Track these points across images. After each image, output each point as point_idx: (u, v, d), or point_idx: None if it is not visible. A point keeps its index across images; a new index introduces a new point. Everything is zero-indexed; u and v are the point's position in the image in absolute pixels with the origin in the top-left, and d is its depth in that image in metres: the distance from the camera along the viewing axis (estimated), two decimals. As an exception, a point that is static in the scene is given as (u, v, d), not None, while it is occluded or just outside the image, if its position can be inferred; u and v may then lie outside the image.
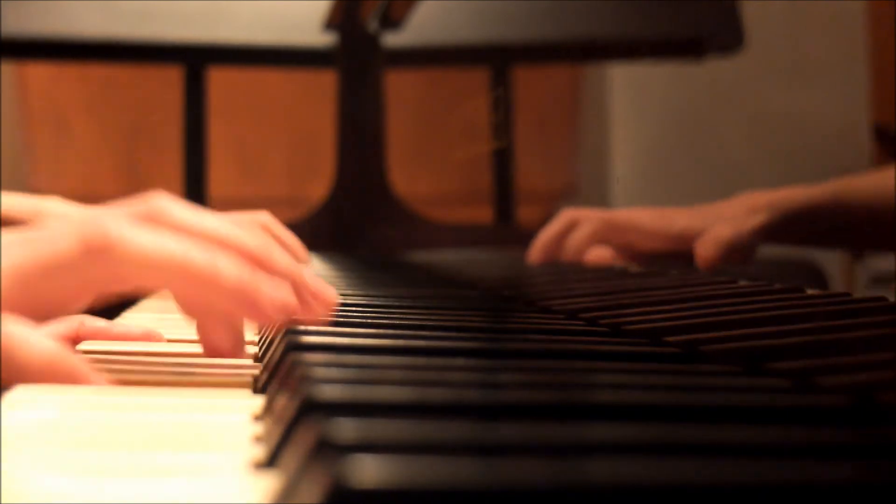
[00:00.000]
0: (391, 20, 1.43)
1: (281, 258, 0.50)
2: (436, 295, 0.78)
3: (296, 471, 0.26)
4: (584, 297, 0.70)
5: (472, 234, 1.37)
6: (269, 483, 0.28)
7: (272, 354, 0.44)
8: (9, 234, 0.46)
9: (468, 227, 1.54)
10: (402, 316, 0.56)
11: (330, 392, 0.31)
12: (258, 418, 0.36)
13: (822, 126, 2.29)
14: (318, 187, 1.64)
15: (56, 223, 0.48)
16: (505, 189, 1.63)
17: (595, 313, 0.58)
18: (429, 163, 2.48)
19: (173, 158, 1.55)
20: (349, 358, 0.41)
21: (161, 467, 0.29)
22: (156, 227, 0.47)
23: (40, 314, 0.46)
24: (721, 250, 1.04)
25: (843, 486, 0.24)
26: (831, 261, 2.03)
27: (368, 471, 0.23)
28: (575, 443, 0.28)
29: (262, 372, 0.44)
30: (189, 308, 0.49)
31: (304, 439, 0.27)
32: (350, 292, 0.74)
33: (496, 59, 1.63)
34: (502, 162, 1.64)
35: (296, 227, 1.42)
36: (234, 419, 0.36)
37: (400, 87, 1.86)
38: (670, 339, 0.48)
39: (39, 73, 2.47)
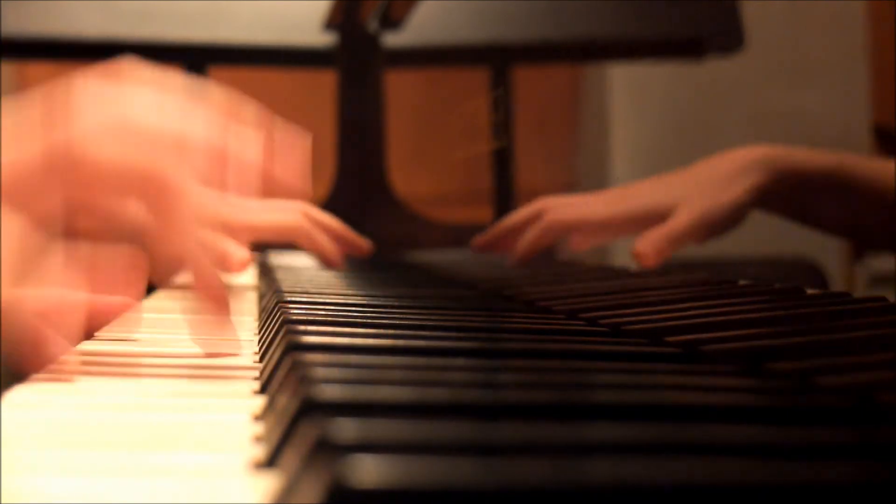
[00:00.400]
0: (391, 20, 1.43)
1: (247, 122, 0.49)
2: (436, 295, 0.78)
3: (296, 471, 0.26)
4: (584, 297, 0.70)
5: (472, 234, 1.37)
6: (269, 483, 0.28)
7: (272, 354, 0.44)
8: None
9: (468, 227, 1.54)
10: (402, 316, 0.56)
11: (330, 392, 0.31)
12: (258, 418, 0.36)
13: (822, 126, 2.29)
14: (318, 187, 1.63)
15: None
16: (505, 189, 1.63)
17: (595, 313, 0.58)
18: (429, 163, 2.48)
19: (173, 158, 1.55)
20: (349, 358, 0.41)
21: (161, 467, 0.29)
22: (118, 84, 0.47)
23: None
24: (660, 249, 0.96)
25: (843, 486, 0.24)
26: (831, 261, 2.03)
27: (368, 471, 0.23)
28: (575, 443, 0.28)
29: (262, 372, 0.44)
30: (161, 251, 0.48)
31: (304, 439, 0.27)
32: (350, 292, 0.74)
33: (496, 59, 1.63)
34: (502, 162, 1.64)
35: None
36: (234, 419, 0.36)
37: (400, 87, 1.86)
38: (670, 339, 0.48)
39: (39, 73, 2.47)
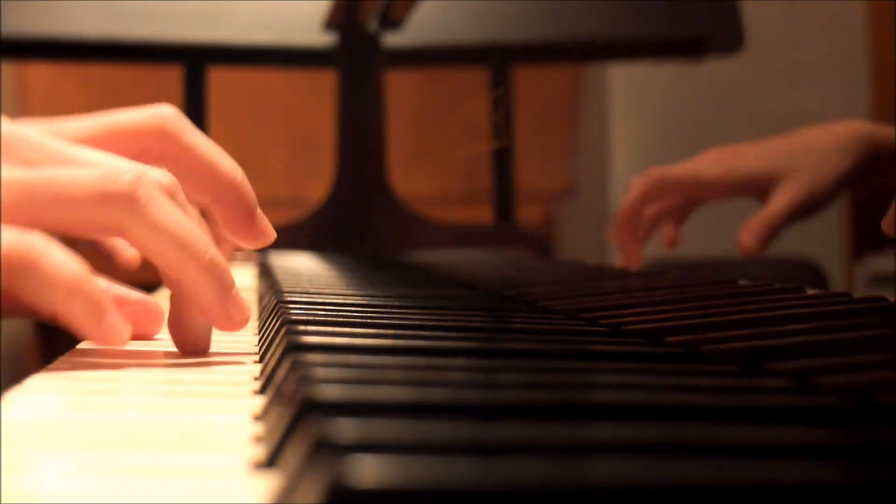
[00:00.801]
0: (391, 20, 1.43)
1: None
2: (436, 295, 0.78)
3: (296, 471, 0.26)
4: (584, 297, 0.70)
5: (472, 234, 1.37)
6: (269, 483, 0.28)
7: (272, 354, 0.44)
8: None
9: (468, 227, 1.54)
10: (402, 316, 0.56)
11: (330, 392, 0.31)
12: (258, 418, 0.36)
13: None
14: (318, 187, 1.64)
15: None
16: (505, 189, 1.63)
17: (595, 313, 0.58)
18: (429, 163, 2.48)
19: (173, 158, 1.55)
20: (349, 358, 0.41)
21: (161, 467, 0.29)
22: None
23: None
24: (764, 238, 0.96)
25: (843, 486, 0.24)
26: (831, 261, 2.03)
27: (368, 471, 0.23)
28: (575, 443, 0.28)
29: (262, 372, 0.44)
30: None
31: (304, 439, 0.27)
32: (350, 292, 0.74)
33: (496, 59, 1.63)
34: (502, 162, 1.64)
35: (296, 227, 1.43)
36: (234, 419, 0.36)
37: (400, 87, 1.87)
38: (670, 339, 0.48)
39: (39, 73, 2.47)
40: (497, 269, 1.12)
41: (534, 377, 0.40)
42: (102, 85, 2.43)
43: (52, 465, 0.29)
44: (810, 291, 0.64)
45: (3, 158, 0.47)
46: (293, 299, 0.60)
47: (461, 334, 0.52)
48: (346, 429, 0.26)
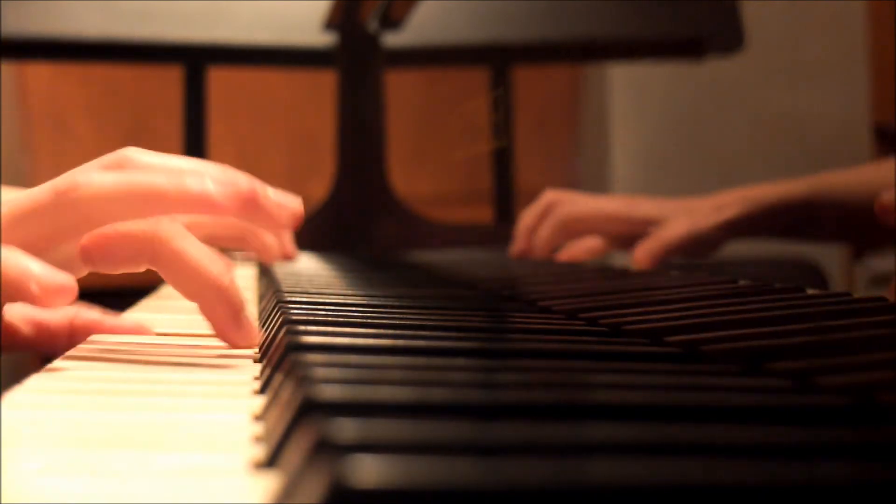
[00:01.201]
0: (391, 20, 1.43)
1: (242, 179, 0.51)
2: (436, 295, 0.78)
3: (296, 471, 0.26)
4: (584, 297, 0.70)
5: (472, 234, 1.37)
6: (269, 483, 0.28)
7: (272, 354, 0.44)
8: None
9: (468, 227, 1.54)
10: (402, 316, 0.56)
11: (330, 392, 0.31)
12: (258, 418, 0.36)
13: (822, 126, 2.29)
14: (318, 187, 1.64)
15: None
16: (505, 189, 1.63)
17: (595, 313, 0.58)
18: (429, 163, 2.48)
19: (173, 158, 1.55)
20: (349, 358, 0.41)
21: (161, 467, 0.29)
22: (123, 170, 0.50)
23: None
24: (656, 254, 1.11)
25: (843, 486, 0.24)
26: (831, 261, 2.03)
27: (368, 471, 0.23)
28: (575, 443, 0.28)
29: (262, 372, 0.44)
30: (179, 282, 0.51)
31: (305, 439, 0.27)
32: (350, 292, 0.74)
33: (496, 59, 1.63)
34: (502, 162, 1.64)
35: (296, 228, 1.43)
36: (234, 419, 0.36)
37: (400, 87, 1.87)
38: (670, 339, 0.48)
39: (39, 73, 2.47)
40: (497, 269, 1.12)
41: (534, 377, 0.40)
42: (102, 85, 2.43)
43: (52, 465, 0.29)
44: (810, 291, 0.64)
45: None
46: (293, 299, 0.60)
47: (461, 334, 0.52)
48: (346, 429, 0.26)
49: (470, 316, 0.60)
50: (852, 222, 1.12)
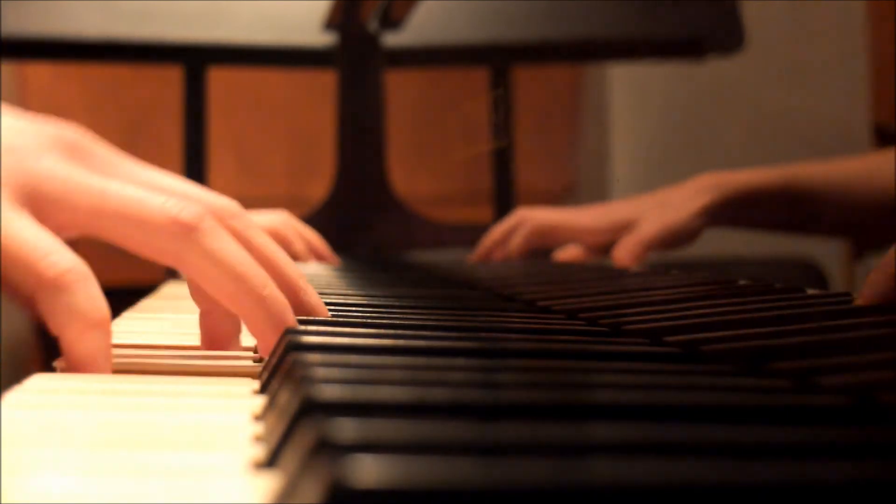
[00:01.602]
0: (391, 20, 1.43)
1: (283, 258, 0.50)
2: (436, 295, 0.78)
3: (296, 471, 0.26)
4: (584, 297, 0.70)
5: (472, 234, 1.37)
6: (269, 483, 0.28)
7: (272, 354, 0.44)
8: None
9: (468, 227, 1.54)
10: (402, 316, 0.56)
11: (330, 392, 0.31)
12: (258, 418, 0.36)
13: (822, 126, 2.29)
14: (318, 187, 1.64)
15: None
16: (505, 189, 1.63)
17: (595, 313, 0.58)
18: (429, 163, 2.48)
19: (173, 158, 1.55)
20: (349, 358, 0.41)
21: (161, 467, 0.29)
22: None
23: None
24: (634, 253, 1.11)
25: (843, 486, 0.24)
26: (831, 261, 2.03)
27: (368, 471, 0.23)
28: (575, 443, 0.28)
29: (262, 372, 0.44)
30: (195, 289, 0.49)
31: (304, 439, 0.27)
32: (350, 292, 0.74)
33: (496, 59, 1.63)
34: (502, 162, 1.64)
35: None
36: (234, 419, 0.36)
37: (400, 87, 1.86)
38: (670, 339, 0.48)
39: (39, 73, 2.47)
40: (497, 269, 1.12)
41: (534, 377, 0.40)
42: (102, 85, 2.43)
43: (53, 465, 0.29)
44: (810, 291, 0.64)
45: (78, 164, 0.48)
46: (293, 299, 0.60)
47: (461, 334, 0.52)
48: (345, 429, 0.26)
49: (470, 316, 0.60)
50: (819, 214, 1.13)
